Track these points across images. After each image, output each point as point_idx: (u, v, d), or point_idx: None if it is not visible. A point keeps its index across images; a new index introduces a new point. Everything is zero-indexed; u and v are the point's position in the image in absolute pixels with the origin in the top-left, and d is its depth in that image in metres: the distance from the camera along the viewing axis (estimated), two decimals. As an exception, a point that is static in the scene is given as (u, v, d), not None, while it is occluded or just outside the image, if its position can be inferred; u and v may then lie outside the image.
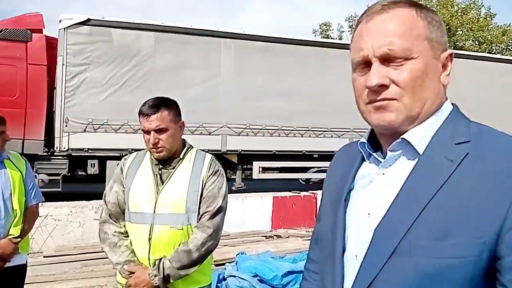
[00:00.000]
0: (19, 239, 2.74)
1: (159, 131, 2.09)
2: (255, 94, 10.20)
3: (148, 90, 9.08)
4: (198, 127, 9.75)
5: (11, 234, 2.70)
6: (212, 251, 2.13)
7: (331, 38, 27.27)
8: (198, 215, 2.11)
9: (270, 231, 7.49)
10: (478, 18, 25.78)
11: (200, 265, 2.09)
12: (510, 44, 26.00)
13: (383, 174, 0.95)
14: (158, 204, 2.08)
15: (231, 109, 9.97)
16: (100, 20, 9.15)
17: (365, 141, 1.01)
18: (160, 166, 2.16)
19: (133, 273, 2.06)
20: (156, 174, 2.15)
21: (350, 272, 0.93)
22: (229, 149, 10.29)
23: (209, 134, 9.93)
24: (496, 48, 26.24)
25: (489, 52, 25.55)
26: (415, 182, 0.87)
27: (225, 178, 2.23)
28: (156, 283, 2.01)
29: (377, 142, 1.01)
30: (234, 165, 10.94)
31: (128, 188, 2.16)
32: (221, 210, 2.13)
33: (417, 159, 0.89)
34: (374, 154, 0.99)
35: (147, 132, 2.12)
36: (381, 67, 0.89)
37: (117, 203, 2.19)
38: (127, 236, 2.16)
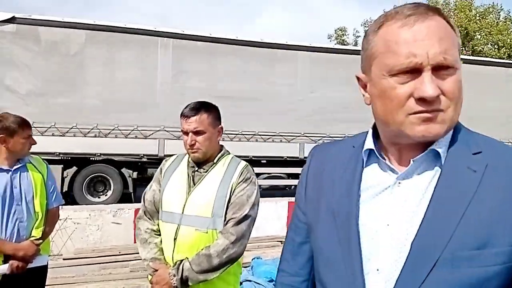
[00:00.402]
0: (40, 240, 2.81)
1: (197, 133, 2.17)
2: (194, 96, 9.19)
3: (78, 90, 8.91)
4: (133, 130, 9.34)
5: (33, 236, 2.78)
6: (234, 259, 2.10)
7: (347, 43, 27.21)
8: (224, 221, 2.11)
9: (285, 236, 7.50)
10: (497, 22, 25.45)
11: (221, 272, 2.07)
12: (530, 48, 25.57)
13: (399, 183, 0.93)
14: (187, 205, 2.13)
15: (169, 112, 9.19)
16: (26, 18, 8.81)
17: (374, 148, 0.98)
18: (195, 168, 2.22)
19: (157, 271, 2.11)
20: (190, 176, 2.20)
21: (373, 286, 0.90)
22: (167, 154, 9.19)
23: (145, 138, 9.46)
24: (516, 52, 25.87)
25: (509, 56, 25.20)
26: (445, 193, 0.86)
27: (257, 187, 2.21)
28: (174, 284, 2.03)
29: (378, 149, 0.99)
30: None
31: (163, 188, 2.24)
32: (247, 218, 2.11)
33: (438, 170, 0.89)
34: (388, 163, 0.96)
35: (186, 133, 2.20)
36: (433, 76, 0.85)
37: (153, 201, 2.27)
38: (159, 234, 2.23)
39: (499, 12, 25.98)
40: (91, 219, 6.38)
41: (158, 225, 2.25)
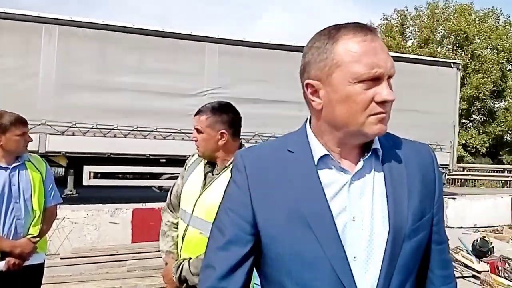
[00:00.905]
0: (37, 238, 2.82)
1: (197, 131, 2.20)
2: (83, 88, 8.88)
3: None
4: None
5: (30, 234, 2.79)
6: None
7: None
8: None
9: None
10: (496, 26, 25.52)
11: None
12: (529, 52, 25.63)
13: (352, 180, 1.06)
14: (197, 206, 2.14)
15: (53, 105, 8.70)
16: None
17: (329, 153, 1.07)
18: (210, 169, 2.22)
19: (166, 264, 2.23)
20: (204, 176, 2.21)
21: (357, 272, 1.02)
22: (50, 151, 8.89)
23: None
24: (515, 56, 25.93)
25: (508, 61, 25.26)
26: (393, 186, 1.07)
27: None
28: (175, 280, 2.13)
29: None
30: (65, 169, 9.80)
31: (183, 184, 2.29)
32: None
33: (378, 165, 1.09)
34: (341, 165, 1.08)
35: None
36: (388, 83, 1.03)
37: (176, 195, 2.34)
38: (177, 228, 2.30)
39: (498, 17, 26.11)
40: (89, 219, 6.37)
41: (178, 217, 2.31)
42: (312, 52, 1.06)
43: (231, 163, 2.16)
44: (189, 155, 2.43)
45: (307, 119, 1.17)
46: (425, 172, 1.14)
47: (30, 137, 2.84)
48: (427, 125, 11.37)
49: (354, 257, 1.02)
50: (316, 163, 1.07)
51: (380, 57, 1.00)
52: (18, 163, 2.78)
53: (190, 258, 2.10)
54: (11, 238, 2.71)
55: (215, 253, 1.13)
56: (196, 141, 2.20)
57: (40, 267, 2.94)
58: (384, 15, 28.19)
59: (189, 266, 2.08)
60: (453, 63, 12.78)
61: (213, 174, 2.20)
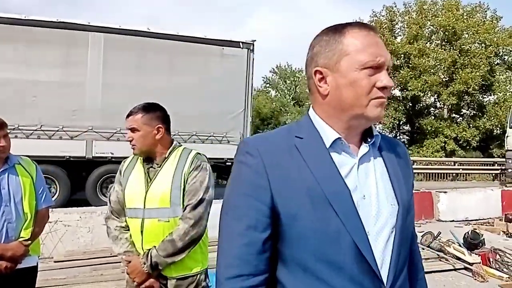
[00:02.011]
0: (29, 241, 2.82)
1: (131, 130, 2.40)
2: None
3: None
4: None
5: (22, 237, 2.78)
6: (196, 240, 2.32)
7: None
8: (183, 208, 2.33)
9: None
10: (484, 21, 25.70)
11: (188, 253, 2.31)
12: (517, 46, 25.85)
13: (359, 164, 1.19)
14: (147, 199, 2.34)
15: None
16: None
17: (341, 137, 1.18)
18: (149, 165, 2.43)
19: (130, 262, 2.35)
20: (145, 173, 2.41)
21: (379, 243, 1.14)
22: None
23: None
24: (504, 50, 26.11)
25: (496, 55, 25.45)
26: (391, 168, 1.24)
27: (209, 172, 2.42)
28: (146, 270, 2.28)
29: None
30: None
31: (124, 187, 2.44)
32: (202, 201, 2.32)
33: (375, 149, 1.24)
34: (349, 148, 1.19)
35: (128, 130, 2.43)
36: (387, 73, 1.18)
37: (117, 201, 2.47)
38: (128, 230, 2.44)
39: (485, 11, 26.25)
40: (82, 221, 6.36)
41: (125, 221, 2.45)
42: (320, 44, 1.19)
43: (171, 152, 2.41)
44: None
45: (308, 108, 1.28)
46: (404, 158, 1.32)
47: (8, 140, 2.79)
48: (211, 114, 10.05)
49: (368, 232, 1.12)
50: (329, 145, 1.17)
51: (382, 49, 1.16)
52: (7, 167, 2.78)
53: (154, 246, 2.29)
54: (2, 241, 2.70)
55: (236, 241, 1.13)
56: (131, 140, 2.38)
57: (33, 270, 2.93)
58: (373, 12, 28.34)
59: (157, 252, 2.27)
60: (243, 42, 10.72)
61: (155, 168, 2.41)
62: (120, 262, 5.55)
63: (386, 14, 27.40)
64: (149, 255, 2.28)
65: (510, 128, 15.82)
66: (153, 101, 2.52)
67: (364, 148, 1.21)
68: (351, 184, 1.14)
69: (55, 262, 5.66)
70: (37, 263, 3.00)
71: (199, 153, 2.47)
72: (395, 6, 27.29)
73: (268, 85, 38.63)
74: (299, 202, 1.11)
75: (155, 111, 2.45)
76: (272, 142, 1.19)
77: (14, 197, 2.76)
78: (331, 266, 1.09)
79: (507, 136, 16.03)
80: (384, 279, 1.11)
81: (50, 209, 3.12)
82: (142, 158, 2.46)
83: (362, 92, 1.14)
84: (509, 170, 15.86)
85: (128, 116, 2.42)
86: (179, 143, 2.54)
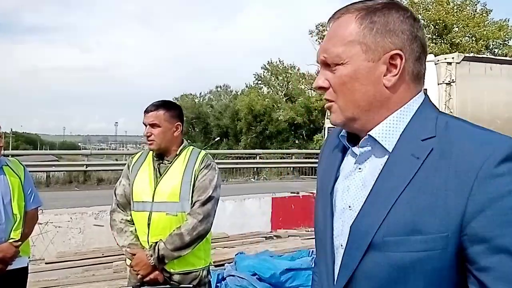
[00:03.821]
0: (19, 242, 2.80)
1: (152, 126, 2.43)
2: None
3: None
4: None
5: (12, 238, 2.77)
6: (203, 235, 2.38)
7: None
8: (191, 204, 2.38)
9: (270, 231, 7.55)
10: (474, 14, 25.85)
11: (193, 248, 2.35)
12: (507, 39, 26.02)
13: (360, 169, 0.99)
14: (156, 193, 2.39)
15: None
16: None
17: (345, 135, 1.04)
18: (159, 161, 2.48)
19: (134, 255, 2.37)
20: (156, 168, 2.46)
21: (338, 260, 0.97)
22: None
23: None
24: (493, 43, 26.29)
25: (486, 48, 25.61)
26: (384, 180, 0.92)
27: (217, 172, 2.50)
28: (152, 263, 2.31)
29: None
30: None
31: (132, 181, 2.49)
32: (211, 199, 2.39)
33: (387, 157, 0.94)
34: (352, 148, 1.01)
35: (145, 125, 2.46)
36: (324, 71, 0.99)
37: (124, 194, 2.52)
38: (133, 224, 2.48)
39: (475, 5, 26.39)
40: (73, 222, 6.34)
41: (131, 215, 2.49)
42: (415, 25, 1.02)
43: (181, 150, 2.49)
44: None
45: None
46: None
47: (1, 142, 2.79)
48: None
49: (341, 245, 0.97)
50: (344, 144, 1.05)
51: (324, 42, 1.00)
52: (-5, 168, 2.76)
53: (161, 239, 2.32)
54: None
55: None
56: (149, 136, 2.42)
57: (23, 271, 2.91)
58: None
59: (165, 245, 2.30)
60: None
61: (165, 164, 2.47)
62: (111, 262, 5.56)
63: (377, 9, 27.49)
64: (157, 247, 2.31)
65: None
66: None
67: (361, 151, 1.00)
68: (342, 190, 1.04)
69: (46, 263, 5.64)
70: (28, 264, 2.99)
71: (208, 153, 2.55)
72: None
73: (259, 81, 38.56)
74: (316, 201, 1.16)
75: (175, 109, 2.54)
76: (332, 134, 1.21)
77: (3, 199, 2.74)
78: (320, 258, 1.07)
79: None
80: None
81: (40, 210, 3.10)
82: (152, 154, 2.51)
83: None
84: None
85: (147, 111, 2.46)
86: (188, 142, 2.60)
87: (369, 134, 0.96)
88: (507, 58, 14.75)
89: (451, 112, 11.70)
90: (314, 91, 26.20)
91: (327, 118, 14.96)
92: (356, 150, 1.00)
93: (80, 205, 8.30)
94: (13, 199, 2.80)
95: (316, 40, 27.76)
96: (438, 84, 12.45)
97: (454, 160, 0.84)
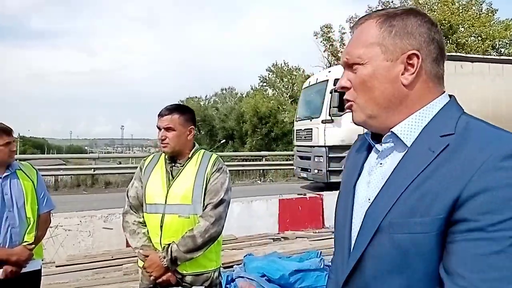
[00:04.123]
0: (33, 245, 2.85)
1: (167, 129, 2.46)
2: None
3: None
4: None
5: (25, 241, 2.82)
6: (215, 238, 2.41)
7: (333, 40, 27.36)
8: (203, 206, 2.41)
9: (278, 233, 7.56)
10: (479, 14, 25.74)
11: (205, 250, 2.39)
12: (513, 38, 25.90)
13: (381, 164, 1.05)
14: (169, 196, 2.42)
15: None
16: None
17: (369, 132, 1.12)
18: (172, 164, 2.51)
19: (147, 256, 2.40)
20: (168, 171, 2.50)
21: (352, 246, 1.05)
22: None
23: None
24: (500, 43, 26.16)
25: (492, 48, 25.49)
26: (399, 171, 0.97)
27: (228, 175, 2.54)
28: (165, 264, 2.34)
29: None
30: None
31: (145, 184, 2.53)
32: (223, 202, 2.44)
33: (406, 151, 0.99)
34: (376, 145, 1.09)
35: (160, 129, 2.49)
36: (347, 72, 1.08)
37: (136, 196, 2.55)
38: (145, 226, 2.51)
39: (481, 4, 26.28)
40: (82, 225, 6.38)
41: (143, 217, 2.52)
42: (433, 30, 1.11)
43: (193, 153, 2.53)
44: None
45: None
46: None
47: (13, 147, 2.84)
48: None
49: (357, 232, 1.05)
50: (369, 141, 1.13)
51: (347, 45, 1.10)
52: (8, 173, 2.82)
53: (173, 241, 2.36)
54: (6, 246, 2.74)
55: None
56: (164, 139, 2.44)
57: (37, 274, 2.97)
58: (369, 7, 28.28)
59: (177, 247, 2.34)
60: None
61: (178, 167, 2.50)
62: (122, 264, 5.60)
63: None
64: (170, 249, 2.34)
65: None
66: None
67: (384, 147, 1.07)
68: (364, 185, 1.12)
69: (57, 266, 5.68)
70: (41, 267, 3.04)
71: (219, 157, 2.59)
72: (392, 1, 27.31)
73: (264, 84, 38.56)
74: (340, 195, 1.23)
75: (189, 113, 2.57)
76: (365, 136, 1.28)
77: (17, 202, 2.80)
78: (337, 254, 1.16)
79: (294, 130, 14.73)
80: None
81: (51, 213, 3.15)
82: (165, 156, 2.55)
83: None
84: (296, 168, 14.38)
85: (162, 115, 2.49)
86: (200, 147, 2.64)
87: (391, 131, 1.02)
88: (479, 56, 13.76)
89: None
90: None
91: (296, 121, 14.44)
92: (379, 147, 1.07)
93: (88, 208, 8.40)
94: (27, 202, 2.85)
95: (321, 42, 27.75)
96: None
97: (464, 154, 0.89)
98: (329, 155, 12.10)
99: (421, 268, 0.90)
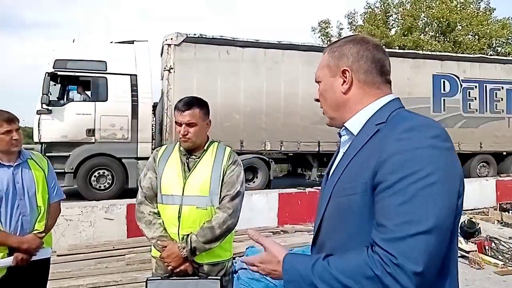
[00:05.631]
0: (43, 234, 2.89)
1: (189, 125, 2.47)
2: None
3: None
4: None
5: (36, 230, 2.85)
6: (231, 229, 2.49)
7: (331, 36, 27.32)
8: (219, 198, 2.47)
9: (277, 227, 7.61)
10: (477, 12, 25.81)
11: (222, 241, 2.46)
12: (510, 37, 25.99)
13: (343, 152, 1.34)
14: (186, 187, 2.46)
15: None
16: None
17: (339, 131, 1.41)
18: (188, 156, 2.54)
19: (165, 247, 2.43)
20: (184, 163, 2.53)
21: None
22: None
23: None
24: (496, 42, 26.26)
25: (489, 47, 25.58)
26: (347, 153, 1.30)
27: (242, 168, 2.61)
28: (184, 255, 2.39)
29: None
30: None
31: (160, 174, 2.54)
32: (239, 194, 2.51)
33: (353, 139, 1.31)
34: (340, 138, 1.40)
35: (180, 124, 2.50)
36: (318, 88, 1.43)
37: (151, 187, 2.56)
38: (160, 216, 2.53)
39: (479, 3, 26.35)
40: (83, 216, 6.40)
41: (157, 208, 2.54)
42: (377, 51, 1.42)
43: (208, 145, 2.56)
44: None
45: None
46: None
47: (17, 135, 2.81)
48: None
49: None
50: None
51: None
52: (20, 161, 2.84)
53: (192, 232, 2.41)
54: (18, 234, 2.77)
55: None
56: (186, 134, 2.45)
57: (47, 262, 3.01)
58: (367, 4, 28.29)
59: (197, 237, 2.38)
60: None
61: (194, 159, 2.53)
62: (123, 255, 5.64)
63: (381, 6, 27.40)
64: (189, 240, 2.39)
65: None
66: None
67: (342, 139, 1.41)
68: (334, 165, 1.45)
69: (58, 256, 5.70)
70: (50, 255, 3.07)
71: (232, 150, 2.65)
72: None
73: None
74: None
75: (206, 105, 2.59)
76: None
77: (28, 191, 2.82)
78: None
79: None
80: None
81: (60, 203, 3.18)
82: (179, 147, 2.57)
83: None
84: None
85: (182, 110, 2.49)
86: (213, 140, 2.67)
87: (344, 125, 1.35)
88: (251, 40, 11.76)
89: (171, 105, 9.96)
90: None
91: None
92: (341, 139, 1.39)
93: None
94: (38, 191, 2.88)
95: (319, 37, 27.71)
96: (164, 71, 10.98)
97: (384, 133, 1.18)
98: (47, 154, 9.17)
99: (356, 223, 1.18)
